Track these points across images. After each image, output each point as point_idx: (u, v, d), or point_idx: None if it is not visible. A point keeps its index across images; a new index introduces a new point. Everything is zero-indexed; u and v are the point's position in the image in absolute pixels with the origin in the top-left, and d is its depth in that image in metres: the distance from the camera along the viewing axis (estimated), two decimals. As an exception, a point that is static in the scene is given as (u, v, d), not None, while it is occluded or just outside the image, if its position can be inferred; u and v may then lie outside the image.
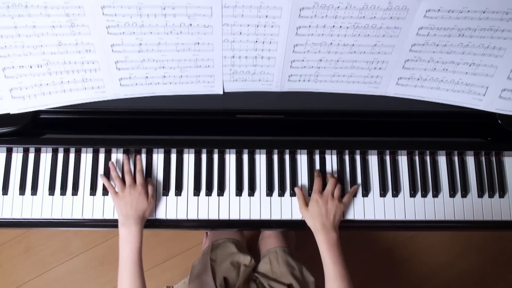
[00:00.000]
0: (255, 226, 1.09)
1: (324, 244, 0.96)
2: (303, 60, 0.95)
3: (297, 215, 1.05)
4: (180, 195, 1.05)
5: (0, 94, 0.94)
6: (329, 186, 1.02)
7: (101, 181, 1.05)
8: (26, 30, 0.86)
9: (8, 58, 0.90)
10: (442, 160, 1.08)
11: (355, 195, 1.06)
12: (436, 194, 1.06)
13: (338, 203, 1.00)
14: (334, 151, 1.07)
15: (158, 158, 1.07)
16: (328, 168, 1.07)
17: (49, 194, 1.04)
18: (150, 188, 1.02)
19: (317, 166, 1.07)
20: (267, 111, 1.03)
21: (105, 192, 1.05)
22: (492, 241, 1.86)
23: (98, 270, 1.81)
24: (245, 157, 1.07)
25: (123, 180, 1.03)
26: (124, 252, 0.95)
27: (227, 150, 1.06)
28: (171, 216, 1.04)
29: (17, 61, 0.90)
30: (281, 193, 1.05)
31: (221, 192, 1.05)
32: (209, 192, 1.05)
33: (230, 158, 1.07)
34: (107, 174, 1.05)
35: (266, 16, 0.87)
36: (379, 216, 1.05)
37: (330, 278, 0.94)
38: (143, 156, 1.06)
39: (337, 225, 0.99)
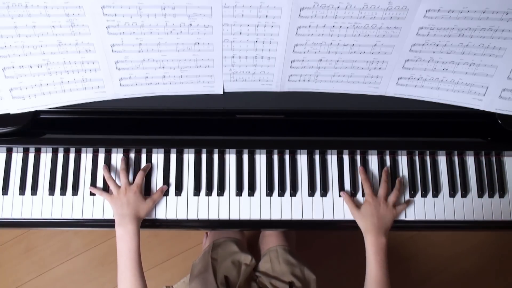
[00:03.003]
0: (255, 226, 1.09)
1: (372, 247, 0.96)
2: (303, 60, 0.95)
3: (297, 215, 1.04)
4: (180, 195, 1.05)
5: (0, 94, 0.94)
6: (381, 190, 1.02)
7: (101, 181, 1.05)
8: (26, 30, 0.86)
9: (8, 58, 0.90)
10: (442, 160, 1.08)
11: (355, 194, 1.06)
12: (436, 194, 1.06)
13: (392, 208, 1.01)
14: (334, 151, 1.07)
15: (158, 158, 1.07)
16: (329, 168, 1.07)
17: (49, 194, 1.04)
18: (157, 194, 1.03)
19: (317, 166, 1.07)
20: (267, 111, 1.03)
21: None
22: (492, 241, 1.86)
23: (98, 270, 1.81)
24: (245, 157, 1.07)
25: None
26: (122, 252, 0.94)
27: (227, 150, 1.06)
28: (171, 216, 1.04)
29: (17, 61, 0.90)
30: (281, 193, 1.05)
31: (221, 192, 1.05)
32: (209, 192, 1.05)
33: (230, 158, 1.07)
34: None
35: (266, 16, 0.87)
36: (379, 216, 1.05)
37: (371, 281, 0.95)
38: (143, 156, 1.06)
39: (387, 230, 0.99)
